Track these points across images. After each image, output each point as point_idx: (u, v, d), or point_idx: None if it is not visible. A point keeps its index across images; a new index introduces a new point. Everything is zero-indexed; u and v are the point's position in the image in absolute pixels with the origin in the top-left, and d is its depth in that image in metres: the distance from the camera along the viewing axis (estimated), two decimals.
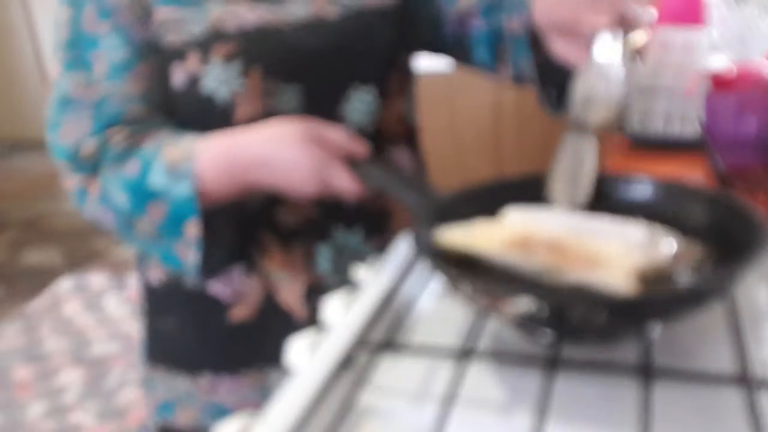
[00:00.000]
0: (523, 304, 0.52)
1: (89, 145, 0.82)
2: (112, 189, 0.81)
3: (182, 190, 0.78)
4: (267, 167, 0.77)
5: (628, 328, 0.59)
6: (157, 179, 0.79)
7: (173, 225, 0.80)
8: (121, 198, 0.81)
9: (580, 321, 0.53)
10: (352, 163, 0.77)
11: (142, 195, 0.80)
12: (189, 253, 0.81)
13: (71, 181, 0.85)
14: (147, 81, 0.85)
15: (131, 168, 0.80)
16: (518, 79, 0.91)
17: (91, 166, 0.82)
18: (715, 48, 1.44)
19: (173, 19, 0.83)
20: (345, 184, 0.76)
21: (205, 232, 0.80)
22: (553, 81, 0.84)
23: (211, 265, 0.86)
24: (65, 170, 0.85)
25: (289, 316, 0.92)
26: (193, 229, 0.79)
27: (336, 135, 0.77)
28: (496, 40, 0.91)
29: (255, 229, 0.90)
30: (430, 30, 0.96)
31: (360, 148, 0.78)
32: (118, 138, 0.82)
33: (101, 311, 2.98)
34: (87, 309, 3.00)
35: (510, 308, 0.53)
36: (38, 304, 3.07)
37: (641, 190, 0.71)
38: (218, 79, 0.82)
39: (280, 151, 0.76)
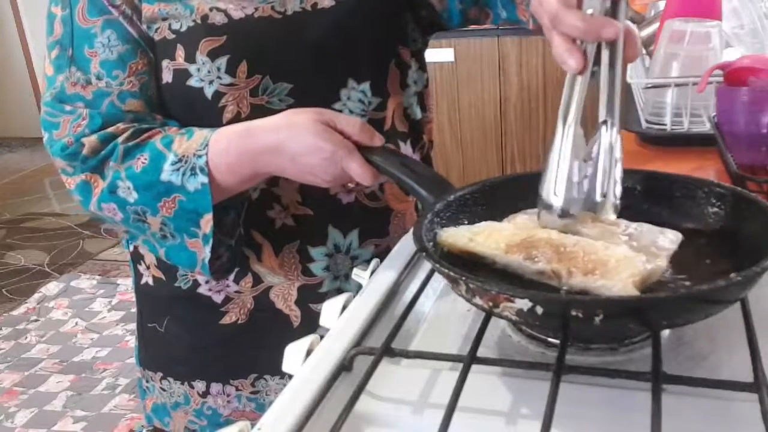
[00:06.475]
0: (519, 305, 0.51)
1: (92, 141, 0.81)
2: (123, 184, 0.81)
3: (195, 184, 0.78)
4: (280, 155, 0.76)
5: (632, 333, 0.57)
6: (169, 174, 0.79)
7: (186, 220, 0.80)
8: (132, 194, 0.81)
9: (575, 324, 0.51)
10: (366, 152, 0.76)
11: (154, 190, 0.80)
12: (201, 249, 0.81)
13: (72, 179, 0.84)
14: (143, 76, 0.84)
15: (142, 163, 0.80)
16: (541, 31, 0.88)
17: (96, 161, 0.82)
18: (727, 42, 1.41)
19: (160, 15, 0.82)
20: (359, 171, 0.75)
21: (218, 231, 0.81)
22: None
23: (223, 265, 0.85)
24: (64, 167, 0.84)
25: (282, 320, 0.92)
26: (206, 224, 0.79)
27: (349, 123, 0.76)
28: None
29: (247, 231, 0.89)
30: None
31: (374, 137, 0.77)
32: (126, 134, 0.82)
33: (90, 316, 2.95)
34: (75, 313, 2.98)
35: (506, 309, 0.52)
36: (25, 308, 3.04)
37: (651, 186, 0.70)
38: (205, 76, 0.82)
39: (294, 137, 0.75)
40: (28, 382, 2.54)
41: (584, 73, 0.59)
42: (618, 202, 0.61)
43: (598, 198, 0.60)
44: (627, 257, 0.56)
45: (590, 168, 0.60)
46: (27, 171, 4.67)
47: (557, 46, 0.59)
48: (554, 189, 0.60)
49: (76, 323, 2.90)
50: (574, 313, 0.50)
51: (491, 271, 0.60)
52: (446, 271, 0.56)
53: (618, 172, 0.60)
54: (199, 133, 0.80)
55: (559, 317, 0.52)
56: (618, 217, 0.65)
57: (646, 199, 0.70)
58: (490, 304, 0.54)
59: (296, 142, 0.75)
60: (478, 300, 0.55)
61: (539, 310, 0.51)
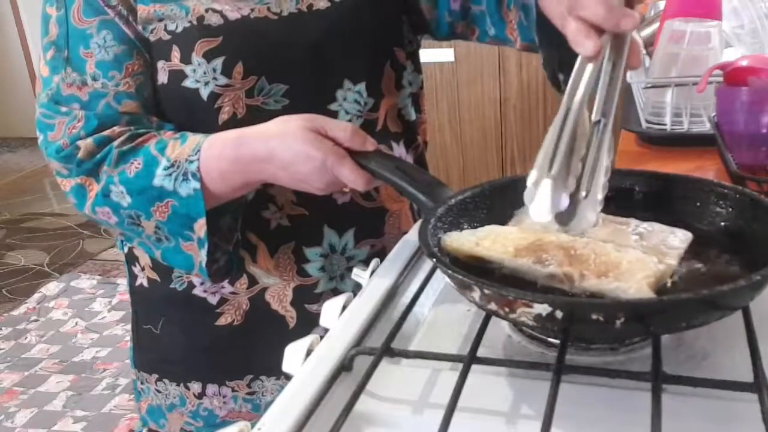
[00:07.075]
0: (537, 310, 0.51)
1: (88, 144, 0.81)
2: (116, 189, 0.81)
3: (187, 189, 0.78)
4: (271, 163, 0.76)
5: (642, 335, 0.57)
6: (161, 179, 0.79)
7: (179, 225, 0.80)
8: (125, 198, 0.80)
9: (593, 328, 0.51)
10: (360, 156, 0.75)
11: (147, 195, 0.80)
12: (198, 253, 0.81)
13: (67, 181, 0.84)
14: (139, 77, 0.84)
15: (135, 167, 0.80)
16: (527, 48, 0.88)
17: (91, 165, 0.81)
18: (727, 42, 1.41)
19: (156, 16, 0.82)
20: (351, 177, 0.74)
21: (214, 235, 0.80)
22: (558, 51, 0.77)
23: (221, 269, 0.85)
24: (59, 169, 0.84)
25: (278, 321, 0.92)
26: (200, 228, 0.79)
27: (341, 129, 0.76)
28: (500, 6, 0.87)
29: (242, 232, 0.88)
30: (433, 8, 0.93)
31: (366, 141, 0.77)
32: (122, 138, 0.81)
33: (90, 316, 2.95)
34: (75, 313, 2.97)
35: (523, 314, 0.52)
36: (25, 308, 3.03)
37: (654, 186, 0.70)
38: (200, 77, 0.82)
39: (284, 146, 0.75)
40: (28, 382, 2.54)
41: (596, 60, 0.59)
42: (599, 201, 0.57)
43: (581, 194, 0.58)
44: (639, 259, 0.56)
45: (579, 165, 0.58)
46: (27, 171, 4.66)
47: (574, 30, 0.59)
48: (549, 166, 0.57)
49: (76, 323, 2.89)
50: (595, 316, 0.50)
51: (495, 276, 0.60)
52: (460, 277, 0.55)
53: (602, 177, 0.57)
54: (192, 139, 0.80)
55: (579, 321, 0.51)
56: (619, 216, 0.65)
57: (646, 199, 0.70)
58: (506, 309, 0.53)
59: (286, 150, 0.74)
60: (492, 306, 0.54)
61: (558, 314, 0.50)
